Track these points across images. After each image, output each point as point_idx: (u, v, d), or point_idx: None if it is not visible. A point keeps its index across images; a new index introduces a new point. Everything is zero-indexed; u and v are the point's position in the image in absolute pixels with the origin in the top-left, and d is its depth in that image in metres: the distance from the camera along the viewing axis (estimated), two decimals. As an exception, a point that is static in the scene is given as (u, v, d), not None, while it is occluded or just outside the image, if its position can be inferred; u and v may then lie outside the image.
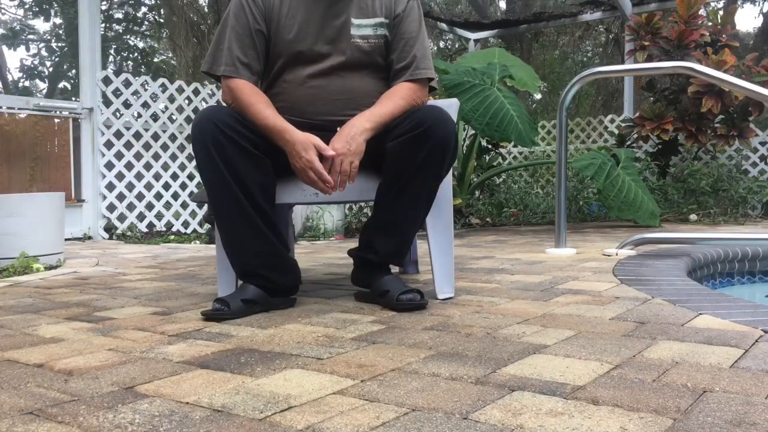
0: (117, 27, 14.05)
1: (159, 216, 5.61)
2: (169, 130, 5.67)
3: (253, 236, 1.93)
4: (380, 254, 2.05)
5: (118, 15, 14.10)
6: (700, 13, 6.11)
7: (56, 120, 5.37)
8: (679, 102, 6.13)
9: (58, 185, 5.16)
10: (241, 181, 1.89)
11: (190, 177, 5.78)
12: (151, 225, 5.53)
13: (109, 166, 5.31)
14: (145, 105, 5.63)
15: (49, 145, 5.24)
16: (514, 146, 8.23)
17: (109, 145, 5.31)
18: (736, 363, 1.32)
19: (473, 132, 5.91)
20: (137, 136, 5.47)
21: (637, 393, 1.14)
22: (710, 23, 6.21)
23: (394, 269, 2.33)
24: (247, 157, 1.89)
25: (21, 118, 5.17)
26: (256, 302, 1.92)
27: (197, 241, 4.84)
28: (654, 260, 2.97)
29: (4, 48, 15.39)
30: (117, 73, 5.51)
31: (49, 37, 15.28)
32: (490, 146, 6.70)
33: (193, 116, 5.77)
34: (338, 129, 1.98)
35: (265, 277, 1.95)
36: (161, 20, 13.57)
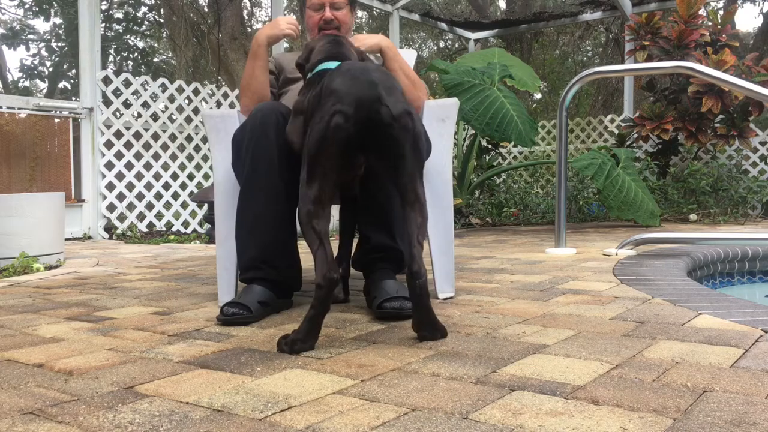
0: (117, 27, 14.04)
1: (159, 216, 5.61)
2: (169, 130, 5.67)
3: (274, 223, 1.95)
4: (372, 241, 2.03)
5: (118, 15, 14.10)
6: (700, 13, 6.10)
7: (56, 120, 5.37)
8: (679, 102, 6.13)
9: (58, 185, 5.16)
10: (285, 170, 1.94)
11: (190, 177, 5.78)
12: (151, 225, 5.53)
13: (109, 166, 5.31)
14: (145, 105, 5.63)
15: (49, 145, 5.24)
16: (514, 146, 8.23)
17: (109, 145, 5.31)
18: (736, 363, 1.32)
19: (473, 132, 5.91)
20: (137, 136, 5.47)
21: (637, 393, 1.14)
22: (710, 23, 6.20)
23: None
24: (292, 153, 1.92)
25: (21, 117, 5.17)
26: (268, 304, 1.91)
27: (197, 241, 4.84)
28: (654, 260, 2.97)
29: (4, 48, 15.39)
30: (117, 73, 5.51)
31: (49, 37, 15.27)
32: (490, 146, 6.70)
33: (193, 116, 5.80)
34: None
35: (273, 265, 1.94)
36: (161, 20, 13.57)
